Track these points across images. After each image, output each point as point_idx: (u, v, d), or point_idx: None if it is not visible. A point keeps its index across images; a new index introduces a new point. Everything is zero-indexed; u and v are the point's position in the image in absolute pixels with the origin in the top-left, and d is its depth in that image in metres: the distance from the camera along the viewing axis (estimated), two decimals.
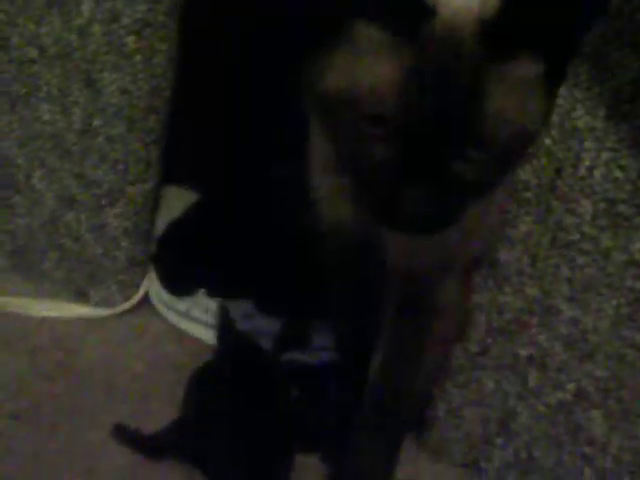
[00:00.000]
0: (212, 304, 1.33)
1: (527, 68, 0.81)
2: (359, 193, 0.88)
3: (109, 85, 1.21)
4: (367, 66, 0.81)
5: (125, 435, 1.11)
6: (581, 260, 1.04)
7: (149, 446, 1.10)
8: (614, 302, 1.04)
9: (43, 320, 1.29)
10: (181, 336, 1.32)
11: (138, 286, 1.36)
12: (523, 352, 1.10)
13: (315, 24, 0.84)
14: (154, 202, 1.33)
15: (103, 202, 1.28)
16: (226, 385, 1.16)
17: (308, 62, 0.85)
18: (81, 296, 1.34)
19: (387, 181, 0.82)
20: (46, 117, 1.26)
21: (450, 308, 1.07)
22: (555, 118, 1.00)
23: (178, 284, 1.35)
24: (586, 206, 1.01)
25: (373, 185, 0.83)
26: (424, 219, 0.82)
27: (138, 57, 1.20)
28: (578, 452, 1.11)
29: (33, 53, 1.23)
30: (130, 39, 1.19)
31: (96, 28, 1.19)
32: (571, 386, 1.09)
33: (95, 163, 1.26)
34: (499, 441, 1.15)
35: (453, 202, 0.83)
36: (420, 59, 0.79)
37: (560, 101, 0.99)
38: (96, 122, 1.24)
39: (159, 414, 1.15)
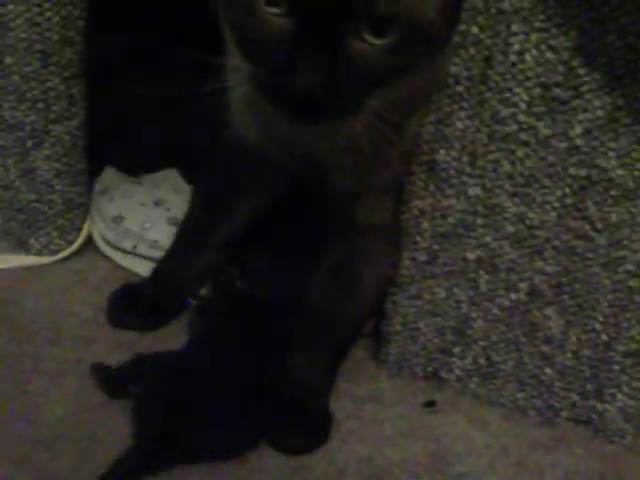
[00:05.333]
0: (158, 238, 1.29)
1: None
2: (256, 77, 0.87)
3: (16, 19, 1.14)
4: None
5: (102, 375, 1.08)
6: (521, 152, 0.99)
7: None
8: (559, 193, 0.99)
9: None
10: (127, 276, 1.28)
11: (79, 230, 1.32)
12: (471, 255, 1.06)
13: None
14: (84, 140, 1.27)
15: (28, 145, 1.23)
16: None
17: None
18: (21, 245, 1.30)
19: (283, 58, 0.81)
20: None
21: (378, 226, 1.06)
22: (479, 3, 0.94)
23: None
24: (520, 94, 0.96)
25: (270, 64, 0.83)
26: (314, 100, 0.81)
27: None
28: (537, 352, 1.08)
29: None
30: None
31: None
32: (523, 285, 1.05)
33: (13, 104, 1.20)
34: (457, 350, 1.12)
35: (348, 86, 0.82)
36: None
37: None
38: (8, 60, 1.17)
39: (105, 358, 1.11)
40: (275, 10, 0.81)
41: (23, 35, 1.15)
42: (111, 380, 1.08)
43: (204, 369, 1.05)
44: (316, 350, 1.10)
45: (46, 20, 1.15)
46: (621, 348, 1.04)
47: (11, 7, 1.13)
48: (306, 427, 1.06)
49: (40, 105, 1.20)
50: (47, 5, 1.14)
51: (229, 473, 1.00)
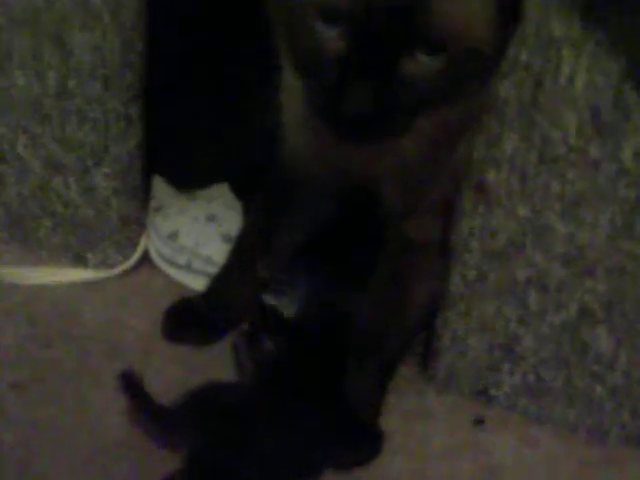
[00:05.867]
0: (211, 254, 1.33)
1: None
2: (310, 97, 0.90)
3: (80, 44, 1.19)
4: None
5: (129, 384, 1.10)
6: (571, 174, 1.00)
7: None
8: (608, 214, 1.00)
9: (42, 288, 1.29)
10: (182, 290, 1.31)
11: (136, 245, 1.36)
12: (521, 275, 1.07)
13: None
14: (141, 159, 1.31)
15: (89, 163, 1.27)
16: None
17: None
18: (80, 260, 1.34)
19: (336, 77, 0.84)
20: (21, 83, 1.24)
21: (429, 244, 1.09)
22: (530, 29, 0.95)
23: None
24: (570, 117, 0.98)
25: (324, 82, 0.86)
26: (367, 117, 0.84)
27: (106, 13, 1.17)
28: (587, 371, 1.09)
29: (1, 20, 1.21)
30: None
31: None
32: (573, 304, 1.06)
33: (75, 125, 1.24)
34: (506, 367, 1.13)
35: (401, 106, 0.86)
36: None
37: (533, 12, 0.95)
38: (71, 83, 1.21)
39: (161, 371, 1.15)
40: (331, 29, 0.85)
41: (86, 59, 1.20)
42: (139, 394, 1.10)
43: (259, 404, 1.08)
44: (367, 365, 1.12)
45: (108, 45, 1.19)
46: None
47: (76, 34, 1.18)
48: (358, 441, 1.08)
49: (100, 126, 1.24)
50: (109, 31, 1.18)
51: None
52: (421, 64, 0.84)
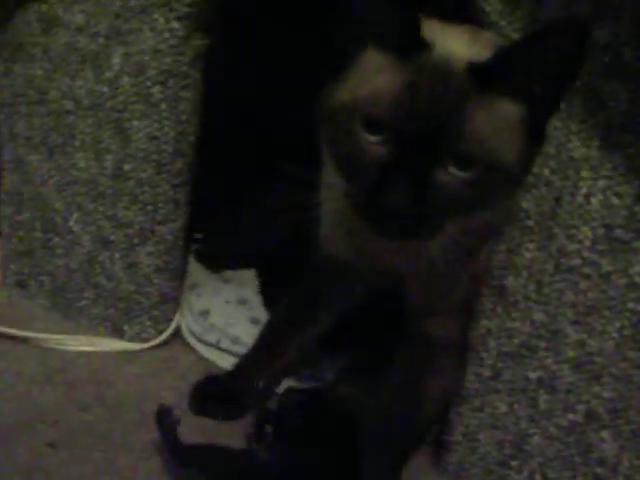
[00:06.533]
0: (240, 334, 1.40)
1: (508, 107, 0.95)
2: (351, 194, 1.00)
3: (138, 132, 1.30)
4: (370, 79, 0.97)
5: (166, 421, 1.14)
6: (584, 284, 1.08)
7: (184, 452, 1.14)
8: (617, 324, 1.07)
9: (80, 355, 1.37)
10: (209, 368, 1.38)
11: (170, 321, 1.44)
12: (533, 375, 1.13)
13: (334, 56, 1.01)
14: (183, 241, 1.41)
15: (135, 241, 1.36)
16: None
17: (325, 88, 1.01)
18: (117, 331, 1.42)
19: (376, 178, 0.94)
20: (81, 164, 1.35)
21: (447, 341, 1.17)
22: (552, 149, 1.05)
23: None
24: (586, 232, 1.06)
25: (365, 184, 0.96)
26: (403, 218, 0.94)
27: (164, 105, 1.28)
28: (591, 473, 1.14)
29: (69, 105, 1.33)
30: (156, 89, 1.27)
31: (125, 80, 1.28)
32: (581, 407, 1.12)
33: (126, 205, 1.34)
34: (514, 463, 1.18)
35: (432, 210, 0.95)
36: (416, 77, 0.95)
37: (556, 133, 1.05)
38: (127, 167, 1.32)
39: (186, 441, 1.21)
40: (374, 138, 0.95)
41: (142, 146, 1.30)
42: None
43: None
44: (382, 454, 1.17)
45: (164, 135, 1.30)
46: None
47: (135, 123, 1.29)
48: None
49: (149, 207, 1.34)
50: (166, 122, 1.29)
51: None
52: (452, 176, 0.94)
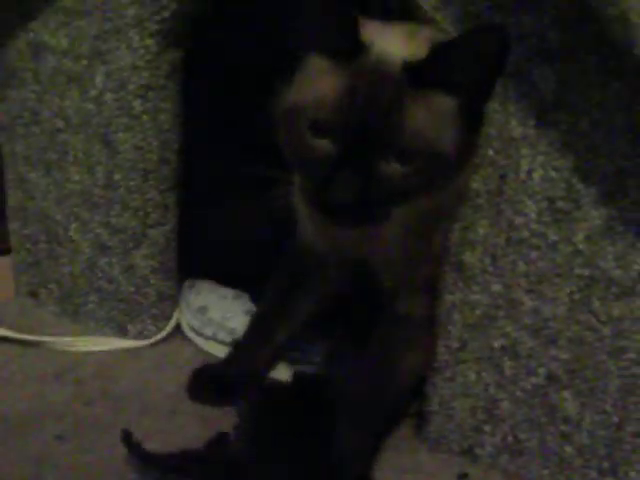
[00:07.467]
0: (236, 326, 1.50)
1: (443, 101, 1.04)
2: (302, 187, 1.09)
3: (124, 144, 1.40)
4: (314, 84, 1.06)
5: (131, 441, 1.20)
6: (533, 255, 1.15)
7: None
8: (567, 290, 1.14)
9: (88, 354, 1.48)
10: (208, 358, 1.48)
11: (169, 318, 1.53)
12: (496, 344, 1.21)
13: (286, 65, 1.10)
14: (175, 242, 1.50)
15: (130, 246, 1.46)
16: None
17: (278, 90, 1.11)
18: (121, 330, 1.52)
19: (324, 174, 1.03)
20: (75, 177, 1.45)
21: (417, 318, 1.25)
22: (493, 131, 1.13)
23: None
24: (530, 206, 1.13)
25: (313, 178, 1.05)
26: (352, 207, 1.02)
27: (145, 117, 1.38)
28: (557, 431, 1.21)
29: (60, 124, 1.44)
30: (137, 102, 1.37)
31: (108, 96, 1.38)
32: (541, 370, 1.19)
33: (119, 212, 1.44)
34: (487, 428, 1.25)
35: (377, 199, 1.04)
36: (355, 80, 1.04)
37: (496, 115, 1.12)
38: (116, 176, 1.42)
39: (185, 428, 1.31)
40: (320, 139, 1.05)
41: (129, 156, 1.40)
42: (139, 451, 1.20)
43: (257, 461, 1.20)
44: (361, 427, 1.24)
45: (147, 144, 1.40)
46: (631, 429, 1.16)
47: (121, 135, 1.39)
48: None
49: (140, 213, 1.44)
50: (149, 133, 1.39)
51: None
52: (395, 168, 1.03)
